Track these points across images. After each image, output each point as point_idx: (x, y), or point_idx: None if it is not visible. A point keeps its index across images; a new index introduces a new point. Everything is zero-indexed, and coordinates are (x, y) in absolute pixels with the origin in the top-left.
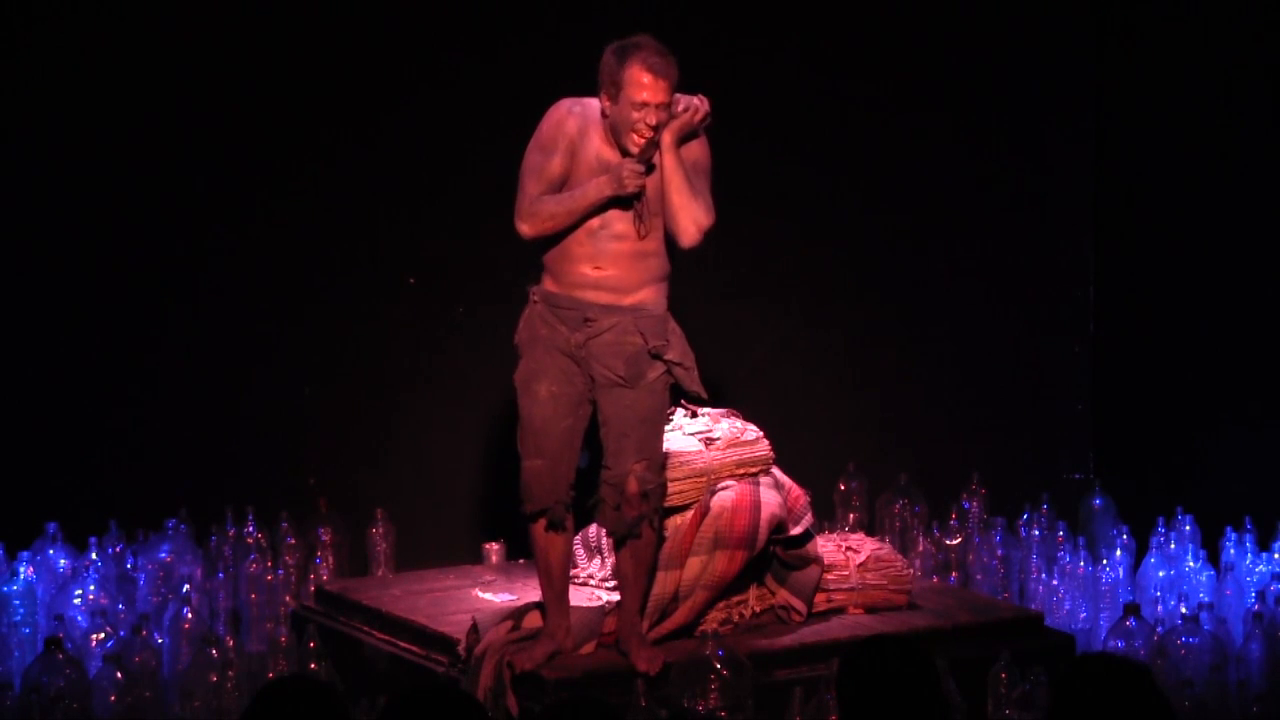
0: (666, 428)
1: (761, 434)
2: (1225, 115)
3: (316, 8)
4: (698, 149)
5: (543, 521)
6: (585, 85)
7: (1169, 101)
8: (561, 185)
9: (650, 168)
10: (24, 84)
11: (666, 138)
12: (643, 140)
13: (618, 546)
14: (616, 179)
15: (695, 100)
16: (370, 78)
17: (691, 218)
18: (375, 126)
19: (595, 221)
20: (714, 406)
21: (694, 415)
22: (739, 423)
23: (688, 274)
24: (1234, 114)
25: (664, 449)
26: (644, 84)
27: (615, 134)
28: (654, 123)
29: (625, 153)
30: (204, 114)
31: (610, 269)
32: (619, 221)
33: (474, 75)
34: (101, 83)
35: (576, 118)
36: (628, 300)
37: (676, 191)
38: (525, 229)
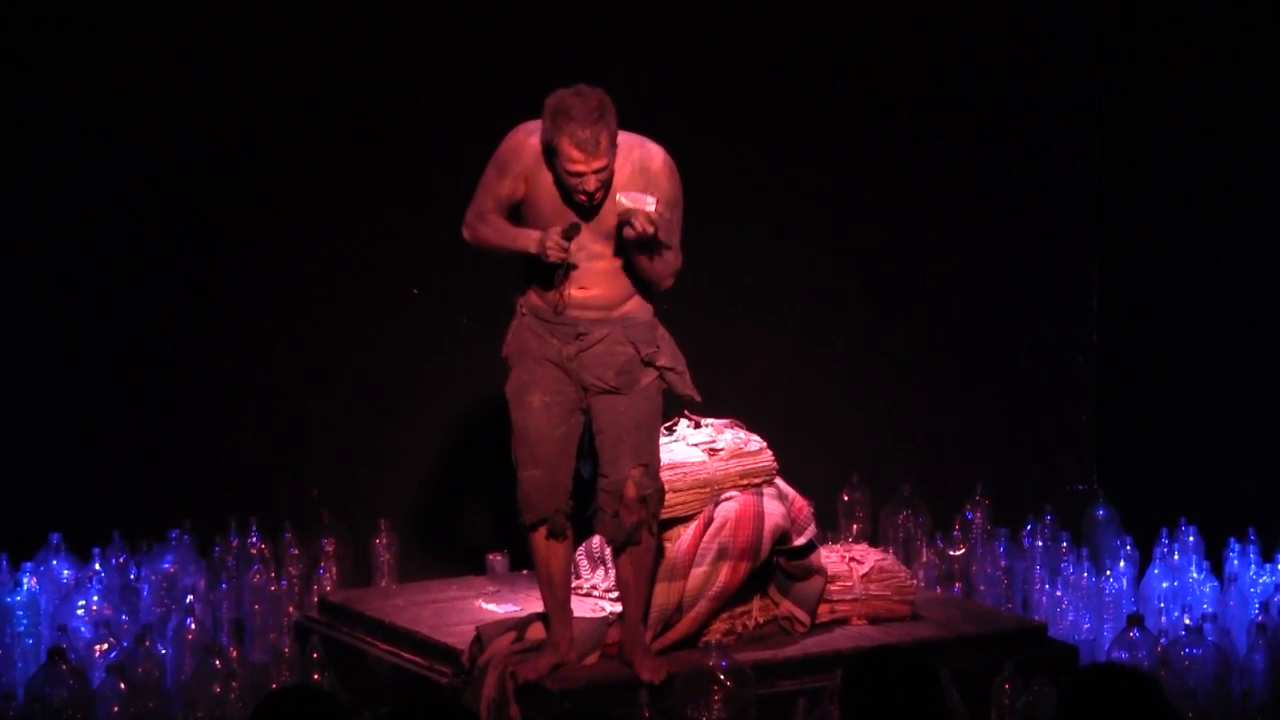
0: (670, 439)
1: (765, 445)
2: (1230, 126)
3: (322, 21)
4: (665, 186)
5: (543, 530)
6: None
7: (1173, 112)
8: (510, 205)
9: (578, 227)
10: (25, 91)
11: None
12: (584, 198)
13: (617, 554)
14: (541, 245)
15: (642, 212)
16: (374, 88)
17: (664, 274)
18: (379, 137)
19: (572, 244)
20: (717, 417)
21: (697, 426)
22: (742, 433)
23: (690, 284)
24: (1239, 125)
25: (660, 454)
26: (574, 159)
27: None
28: (591, 189)
29: (574, 204)
30: (208, 123)
31: (594, 288)
32: (595, 242)
33: (477, 87)
34: (106, 94)
35: (535, 144)
36: (616, 313)
37: (644, 270)
38: (465, 235)
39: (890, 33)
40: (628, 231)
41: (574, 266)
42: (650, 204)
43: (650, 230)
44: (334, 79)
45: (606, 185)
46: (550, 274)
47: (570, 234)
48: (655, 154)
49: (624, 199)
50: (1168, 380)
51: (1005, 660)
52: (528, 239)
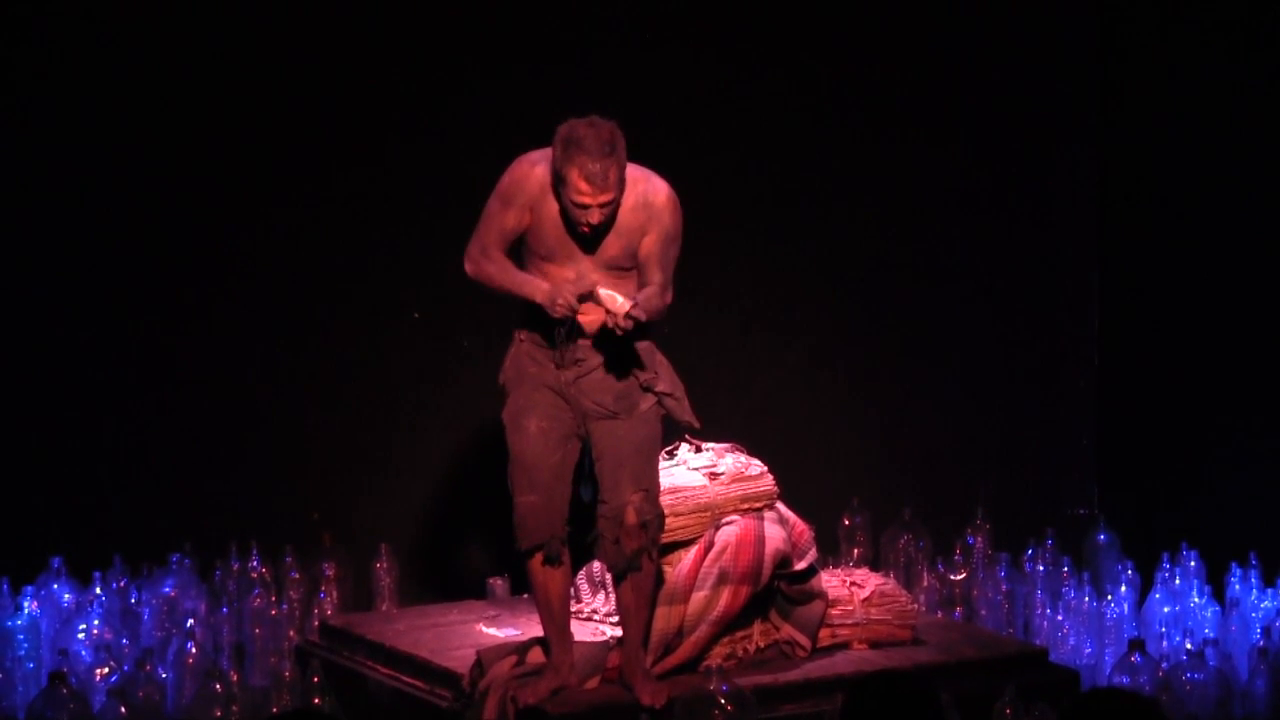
0: (671, 463)
1: (766, 469)
2: (1232, 143)
3: (328, 42)
4: (667, 221)
5: (540, 556)
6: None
7: (1175, 128)
8: (514, 237)
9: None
10: (27, 103)
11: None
12: (586, 229)
13: (617, 581)
14: (550, 299)
15: (612, 313)
16: (378, 110)
17: (652, 320)
18: (381, 159)
19: (571, 273)
20: (718, 441)
21: (698, 450)
22: (743, 457)
23: (689, 307)
24: (1241, 142)
25: (660, 479)
26: (582, 190)
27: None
28: (595, 221)
29: (577, 234)
30: (210, 145)
31: (593, 314)
32: (594, 271)
33: (483, 110)
34: (105, 124)
35: (540, 174)
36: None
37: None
38: (467, 269)
39: (888, 36)
40: (605, 320)
41: (583, 333)
42: (625, 306)
43: (619, 333)
44: (338, 97)
45: (612, 217)
46: (553, 324)
47: (585, 299)
48: (660, 189)
49: (602, 296)
50: (1169, 404)
51: (1006, 685)
52: (534, 288)
